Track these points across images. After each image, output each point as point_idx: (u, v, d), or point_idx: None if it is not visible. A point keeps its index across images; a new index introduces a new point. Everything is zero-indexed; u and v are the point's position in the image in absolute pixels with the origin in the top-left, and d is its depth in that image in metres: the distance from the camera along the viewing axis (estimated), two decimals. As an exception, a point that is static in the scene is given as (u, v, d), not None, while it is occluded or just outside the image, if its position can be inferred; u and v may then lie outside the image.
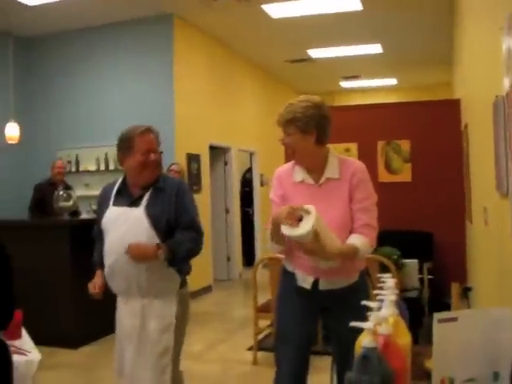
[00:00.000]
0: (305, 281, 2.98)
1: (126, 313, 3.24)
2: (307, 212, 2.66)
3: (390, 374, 1.54)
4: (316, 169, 2.98)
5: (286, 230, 2.67)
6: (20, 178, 9.53)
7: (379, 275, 2.37)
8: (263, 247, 11.34)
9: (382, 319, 1.70)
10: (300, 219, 2.66)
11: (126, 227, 3.14)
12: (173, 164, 7.28)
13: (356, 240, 2.83)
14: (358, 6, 8.52)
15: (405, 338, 1.88)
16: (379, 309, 1.87)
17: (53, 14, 8.56)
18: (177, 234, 3.17)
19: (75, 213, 7.07)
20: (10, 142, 7.24)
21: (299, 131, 2.91)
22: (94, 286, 3.26)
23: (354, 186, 2.92)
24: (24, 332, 3.40)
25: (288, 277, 3.07)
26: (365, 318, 2.98)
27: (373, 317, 1.69)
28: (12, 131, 7.15)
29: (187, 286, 3.39)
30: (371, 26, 9.63)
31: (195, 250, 3.24)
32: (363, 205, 2.92)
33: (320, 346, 5.32)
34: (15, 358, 2.83)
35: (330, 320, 3.12)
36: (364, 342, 1.55)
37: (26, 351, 3.18)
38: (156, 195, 3.20)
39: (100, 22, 9.06)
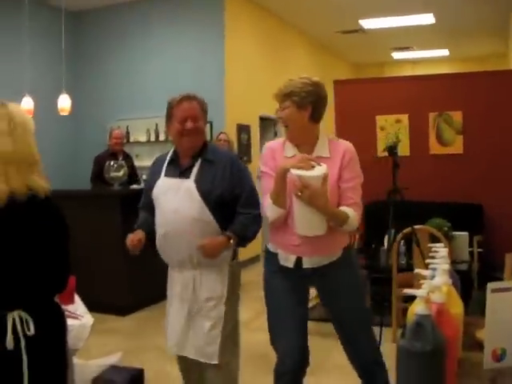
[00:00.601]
0: (287, 260, 3.00)
1: (177, 282, 3.25)
2: (318, 163, 2.75)
3: (443, 342, 1.53)
4: (306, 146, 3.01)
5: (299, 172, 2.71)
6: (72, 149, 9.74)
7: (430, 245, 2.36)
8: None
9: (435, 287, 1.69)
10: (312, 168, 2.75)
11: (178, 199, 3.13)
12: (221, 133, 7.30)
13: (348, 210, 2.88)
14: (411, -25, 8.34)
15: (457, 308, 1.87)
16: (432, 277, 1.86)
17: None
18: (238, 216, 3.17)
19: (130, 182, 7.13)
20: (62, 113, 7.34)
21: (295, 106, 2.96)
22: (132, 240, 3.22)
23: (345, 165, 2.96)
24: (77, 297, 3.46)
25: (271, 257, 3.09)
26: (355, 294, 3.09)
27: (426, 284, 1.68)
28: (64, 103, 7.24)
29: (237, 258, 3.38)
30: (424, -6, 9.43)
31: (259, 229, 3.23)
32: (352, 184, 2.96)
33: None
34: (69, 321, 2.83)
35: (322, 299, 3.20)
36: (417, 309, 1.55)
37: (79, 316, 3.25)
38: (206, 167, 3.17)
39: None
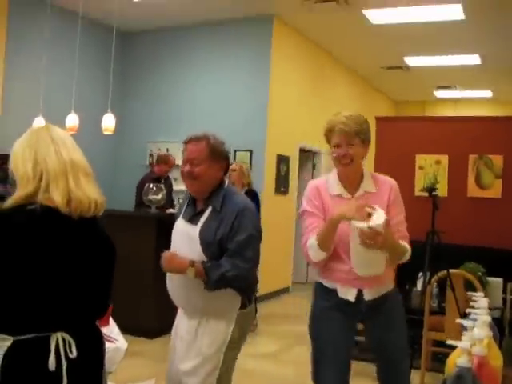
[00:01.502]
0: (348, 293, 3.00)
1: (183, 321, 3.15)
2: (372, 208, 2.75)
3: (483, 396, 1.53)
4: (352, 182, 3.05)
5: (360, 223, 2.72)
6: (111, 168, 9.87)
7: (470, 293, 2.35)
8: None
9: (476, 340, 1.68)
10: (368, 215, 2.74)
11: (182, 243, 3.07)
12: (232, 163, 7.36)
13: (404, 244, 2.99)
14: (461, 16, 8.35)
15: (497, 360, 1.86)
16: (472, 328, 1.84)
17: (155, 10, 8.84)
18: (223, 257, 2.96)
19: (165, 206, 7.18)
20: (105, 132, 7.46)
21: (361, 143, 2.99)
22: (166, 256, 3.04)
23: (392, 201, 3.03)
24: (111, 320, 3.47)
25: (326, 293, 3.08)
26: (404, 325, 3.14)
27: (467, 336, 1.68)
28: (109, 122, 7.36)
29: (252, 305, 3.15)
30: (471, 35, 9.42)
31: (234, 276, 2.89)
32: (400, 218, 3.05)
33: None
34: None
35: (373, 332, 3.17)
36: (459, 361, 1.54)
37: (114, 338, 3.27)
38: (213, 215, 3.00)
39: (199, 20, 9.28)
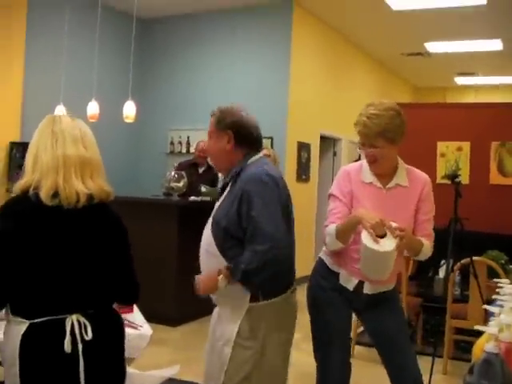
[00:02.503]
0: (349, 282, 3.01)
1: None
2: (390, 229, 2.69)
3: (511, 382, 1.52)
4: (386, 174, 3.00)
5: (370, 242, 2.69)
6: (133, 156, 9.91)
7: (496, 280, 2.34)
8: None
9: (504, 325, 1.68)
10: (384, 234, 2.70)
11: (207, 228, 2.80)
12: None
13: (423, 241, 2.94)
14: (483, 1, 8.26)
15: (524, 347, 1.84)
16: (499, 314, 1.84)
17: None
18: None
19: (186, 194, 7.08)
20: (126, 120, 7.47)
21: (388, 143, 2.88)
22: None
23: (424, 198, 2.98)
24: (135, 307, 3.50)
25: (327, 274, 3.09)
26: (402, 313, 3.16)
27: (495, 322, 1.67)
28: (129, 110, 7.36)
29: (265, 299, 2.69)
30: (493, 21, 9.31)
31: (254, 268, 2.52)
32: (429, 216, 3.01)
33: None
34: (127, 330, 2.85)
35: (368, 324, 3.20)
36: (487, 346, 1.53)
37: (138, 325, 3.29)
38: (228, 194, 2.72)
39: (218, 7, 9.27)
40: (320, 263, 3.17)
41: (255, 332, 2.67)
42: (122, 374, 2.38)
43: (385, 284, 3.03)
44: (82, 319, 2.18)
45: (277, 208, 2.59)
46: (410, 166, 3.09)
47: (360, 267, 2.88)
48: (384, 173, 2.99)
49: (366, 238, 2.69)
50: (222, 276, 2.58)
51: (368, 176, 2.99)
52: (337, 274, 3.05)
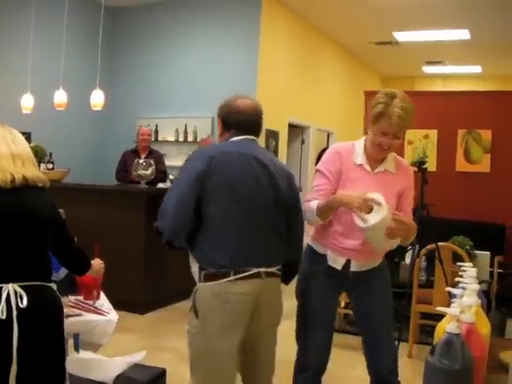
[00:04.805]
0: (336, 261, 3.07)
1: None
2: (378, 204, 2.75)
3: (471, 362, 1.55)
4: (377, 159, 3.06)
5: (357, 219, 2.77)
6: (101, 145, 9.82)
7: (459, 263, 2.37)
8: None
9: (465, 307, 1.71)
10: (371, 210, 2.75)
11: None
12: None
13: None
14: (449, -10, 8.32)
15: (485, 328, 1.88)
16: (461, 296, 1.87)
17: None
18: None
19: (153, 181, 7.12)
20: (94, 108, 7.40)
21: (404, 134, 3.03)
22: None
23: (407, 185, 3.11)
24: (102, 294, 3.53)
25: (316, 258, 3.13)
26: (389, 292, 3.22)
27: (457, 303, 1.70)
28: (97, 98, 7.29)
29: (211, 278, 2.69)
30: (461, 10, 9.36)
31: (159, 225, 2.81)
32: (410, 200, 3.15)
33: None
34: (95, 317, 3.23)
35: (356, 302, 3.24)
36: (448, 327, 1.56)
37: (105, 312, 3.33)
38: None
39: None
40: (308, 250, 3.22)
41: (202, 317, 2.68)
42: (59, 349, 2.51)
43: (372, 257, 3.09)
44: (19, 289, 2.34)
45: (183, 179, 2.84)
46: (396, 155, 3.16)
47: (372, 246, 2.94)
48: (376, 158, 3.05)
49: (357, 220, 2.77)
50: None
51: (360, 158, 3.04)
52: (325, 256, 3.09)
